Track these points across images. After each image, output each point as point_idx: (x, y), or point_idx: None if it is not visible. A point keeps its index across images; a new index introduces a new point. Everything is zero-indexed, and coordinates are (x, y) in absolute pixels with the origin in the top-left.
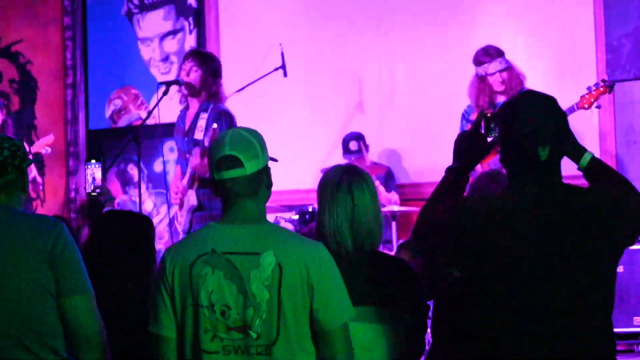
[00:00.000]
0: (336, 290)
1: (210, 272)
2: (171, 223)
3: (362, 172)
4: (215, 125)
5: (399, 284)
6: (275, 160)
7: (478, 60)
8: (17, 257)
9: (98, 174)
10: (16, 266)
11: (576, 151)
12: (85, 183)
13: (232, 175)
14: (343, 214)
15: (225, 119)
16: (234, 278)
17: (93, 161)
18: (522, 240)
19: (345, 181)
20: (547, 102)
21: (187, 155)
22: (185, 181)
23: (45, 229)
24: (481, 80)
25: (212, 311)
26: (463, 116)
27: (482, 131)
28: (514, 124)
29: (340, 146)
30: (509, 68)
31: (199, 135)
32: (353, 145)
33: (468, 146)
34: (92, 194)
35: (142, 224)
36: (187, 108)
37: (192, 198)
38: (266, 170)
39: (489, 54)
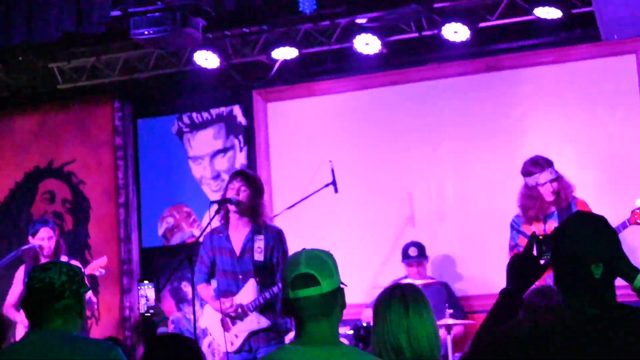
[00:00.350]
0: None
1: None
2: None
3: (417, 288)
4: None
5: None
6: (344, 285)
7: (527, 171)
8: None
9: (151, 294)
10: None
11: (629, 270)
12: (139, 303)
13: (308, 293)
14: (396, 326)
15: (284, 237)
16: None
17: (146, 282)
18: None
19: (398, 294)
20: (597, 222)
21: (240, 277)
22: (244, 301)
23: (101, 354)
24: (531, 190)
25: None
26: (512, 226)
27: (535, 253)
28: (566, 244)
29: (396, 258)
30: (559, 178)
31: (258, 256)
32: (412, 252)
33: (521, 269)
34: (146, 314)
35: (191, 348)
36: (226, 228)
37: (262, 320)
38: (340, 291)
39: (538, 164)
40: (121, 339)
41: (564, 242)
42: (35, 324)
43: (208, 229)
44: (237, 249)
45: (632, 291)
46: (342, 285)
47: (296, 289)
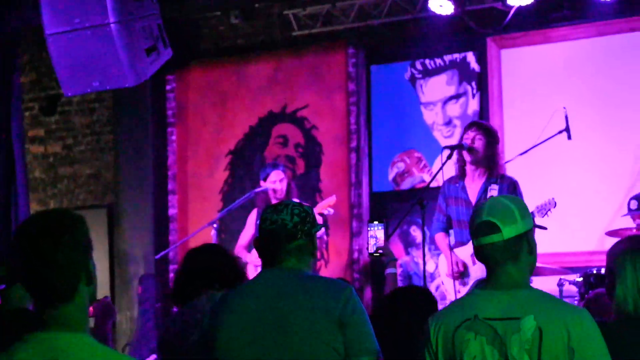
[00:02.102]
0: (598, 355)
1: (472, 337)
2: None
3: None
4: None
5: None
6: (544, 228)
7: None
8: (310, 320)
9: (380, 235)
10: (310, 329)
11: None
12: (368, 244)
13: (489, 240)
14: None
15: (519, 188)
16: (495, 343)
17: (375, 222)
18: None
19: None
20: None
21: None
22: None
23: (335, 293)
24: None
25: None
26: None
27: None
28: None
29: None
30: None
31: None
32: (633, 205)
33: None
34: (375, 254)
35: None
36: (462, 177)
37: None
38: (527, 236)
39: None
40: (349, 281)
41: None
42: (269, 264)
43: (440, 174)
44: (473, 199)
45: None
46: (538, 227)
47: (479, 237)
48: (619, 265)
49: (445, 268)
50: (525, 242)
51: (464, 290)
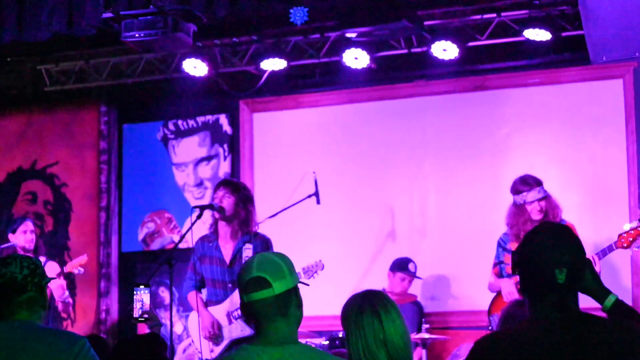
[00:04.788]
0: None
1: None
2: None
3: (385, 295)
4: None
5: None
6: (306, 284)
7: (516, 189)
8: None
9: (147, 299)
10: None
11: (600, 292)
12: (133, 308)
13: (260, 296)
14: (370, 337)
15: (271, 246)
16: None
17: (142, 286)
18: None
19: (368, 303)
20: (563, 230)
21: (229, 285)
22: (231, 309)
23: (68, 344)
24: (519, 208)
25: None
26: (499, 244)
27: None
28: (530, 248)
29: (376, 271)
30: (547, 197)
31: None
32: (412, 267)
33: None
34: (140, 319)
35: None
36: (215, 237)
37: (247, 329)
38: (295, 291)
39: (527, 183)
40: (104, 338)
41: (529, 247)
42: (2, 315)
43: (189, 234)
44: (227, 258)
45: (602, 311)
46: (302, 283)
47: (249, 293)
48: (346, 326)
49: (195, 327)
50: (294, 297)
51: (217, 350)
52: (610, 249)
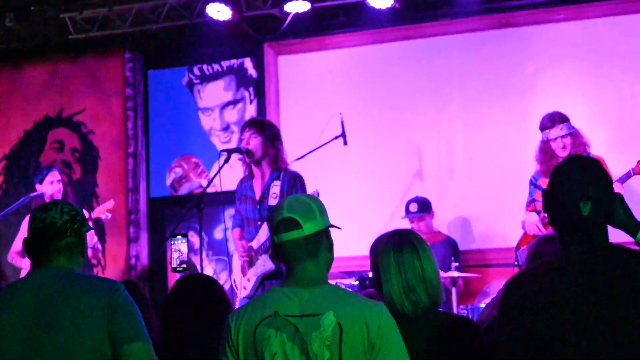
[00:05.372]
0: (396, 348)
1: (273, 334)
2: (231, 289)
3: (413, 232)
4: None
5: (464, 346)
6: (339, 228)
7: (543, 126)
8: (78, 319)
9: (184, 249)
10: (78, 328)
11: (632, 225)
12: (171, 258)
13: (290, 237)
14: (410, 275)
15: (300, 183)
16: (296, 340)
17: (179, 236)
18: (564, 320)
19: (407, 241)
20: (589, 163)
21: (259, 223)
22: (255, 245)
23: (104, 290)
24: (545, 145)
25: None
26: (531, 182)
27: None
28: (556, 183)
29: (403, 212)
30: (572, 134)
31: (273, 202)
32: (412, 207)
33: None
34: (178, 269)
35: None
36: (251, 176)
37: (268, 263)
38: (326, 233)
39: (552, 119)
40: (137, 282)
41: (555, 181)
42: (38, 263)
43: (217, 179)
44: (257, 196)
45: (635, 245)
46: (333, 227)
47: (279, 233)
48: (382, 264)
49: (236, 266)
50: (324, 239)
51: (249, 286)
52: (628, 175)
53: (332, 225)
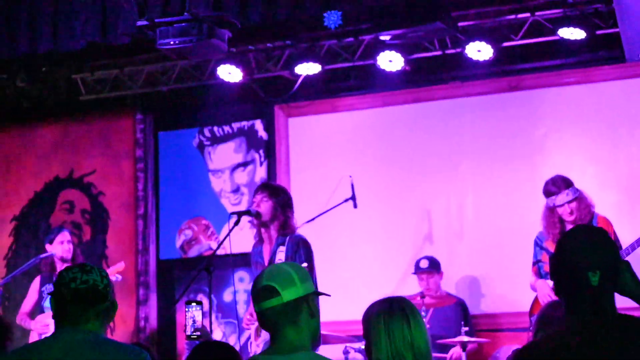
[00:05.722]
0: None
1: None
2: (242, 351)
3: (405, 300)
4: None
5: None
6: (327, 295)
7: (547, 191)
8: None
9: (199, 317)
10: None
11: (637, 290)
12: (186, 326)
13: (269, 305)
14: (399, 340)
15: (303, 247)
16: None
17: (193, 304)
18: None
19: (398, 308)
20: (596, 233)
21: None
22: None
23: (133, 358)
24: (551, 211)
25: None
26: (536, 243)
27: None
28: (564, 253)
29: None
30: (578, 198)
31: None
32: (423, 264)
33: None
34: (192, 336)
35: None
36: (261, 242)
37: None
38: (307, 300)
39: (556, 185)
40: (149, 347)
41: (563, 251)
42: (69, 324)
43: (227, 241)
44: (266, 262)
45: None
46: (321, 295)
47: (260, 302)
48: (373, 330)
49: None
50: (305, 306)
51: (258, 350)
52: (638, 242)
53: (320, 293)
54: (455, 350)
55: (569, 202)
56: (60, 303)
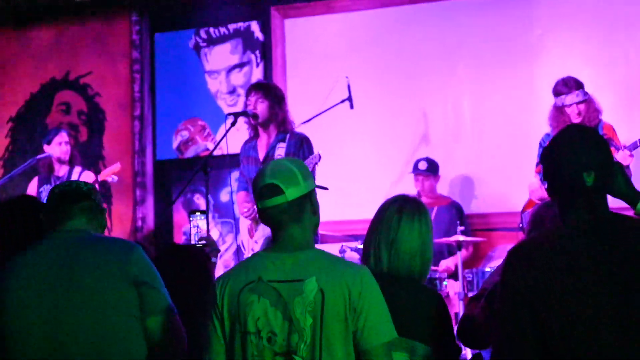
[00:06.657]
0: (378, 311)
1: (256, 299)
2: (238, 250)
3: (420, 203)
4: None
5: (425, 317)
6: (325, 188)
7: (557, 91)
8: (102, 280)
9: (203, 225)
10: (102, 289)
11: (632, 194)
12: (190, 234)
13: (273, 203)
14: (384, 234)
15: (307, 144)
16: (279, 305)
17: (198, 213)
18: (567, 287)
19: (397, 205)
20: (588, 132)
21: None
22: None
23: (123, 252)
24: (559, 111)
25: (258, 337)
26: (540, 144)
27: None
28: (557, 153)
29: (409, 175)
30: (587, 101)
31: None
32: (422, 165)
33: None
34: (197, 245)
35: (201, 258)
36: (255, 137)
37: None
38: (310, 197)
39: (567, 85)
40: (146, 245)
41: (556, 151)
42: (57, 225)
43: (224, 142)
44: (261, 156)
45: (635, 215)
46: (319, 188)
47: (262, 200)
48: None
49: (243, 228)
50: (308, 203)
51: (256, 247)
52: (634, 145)
53: (317, 186)
54: (446, 262)
55: (578, 103)
56: (49, 212)
